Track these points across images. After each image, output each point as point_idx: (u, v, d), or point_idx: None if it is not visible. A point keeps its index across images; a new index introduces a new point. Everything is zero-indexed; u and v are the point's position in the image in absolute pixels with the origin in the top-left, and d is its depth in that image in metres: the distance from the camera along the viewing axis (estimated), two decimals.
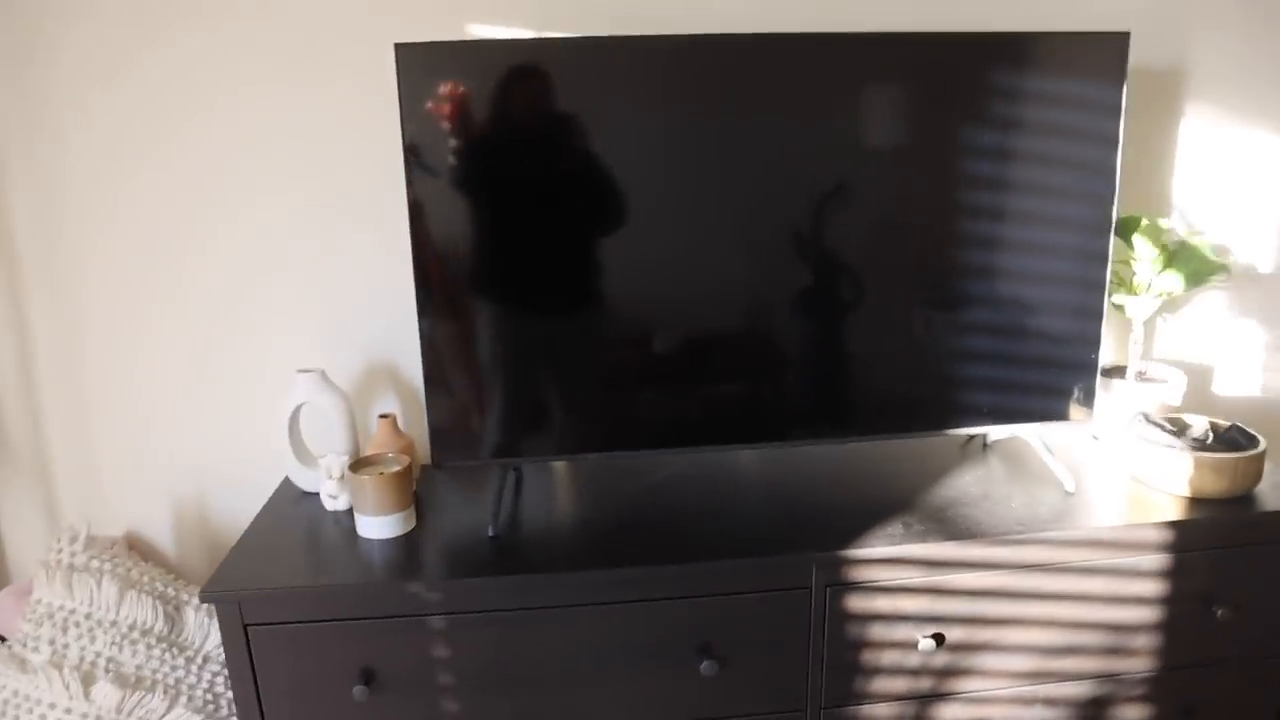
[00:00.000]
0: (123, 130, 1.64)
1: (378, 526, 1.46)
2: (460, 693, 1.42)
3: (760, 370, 1.56)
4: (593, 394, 1.54)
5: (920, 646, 1.47)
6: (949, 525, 1.48)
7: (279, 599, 1.36)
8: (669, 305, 1.51)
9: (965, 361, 1.59)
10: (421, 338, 1.45)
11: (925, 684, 1.51)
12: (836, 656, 1.48)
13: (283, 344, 1.75)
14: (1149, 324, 1.89)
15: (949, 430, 1.62)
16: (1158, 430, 1.61)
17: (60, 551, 1.60)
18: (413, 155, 1.39)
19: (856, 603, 1.45)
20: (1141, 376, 1.78)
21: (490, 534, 1.48)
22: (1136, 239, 1.67)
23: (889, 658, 1.49)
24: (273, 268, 1.71)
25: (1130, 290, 1.73)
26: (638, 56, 1.42)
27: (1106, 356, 1.92)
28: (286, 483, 1.70)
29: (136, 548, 1.81)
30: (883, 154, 1.49)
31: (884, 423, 1.61)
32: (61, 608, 1.54)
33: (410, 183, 1.39)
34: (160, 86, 1.62)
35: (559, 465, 1.77)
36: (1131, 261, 1.71)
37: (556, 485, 1.70)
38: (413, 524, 1.50)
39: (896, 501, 1.57)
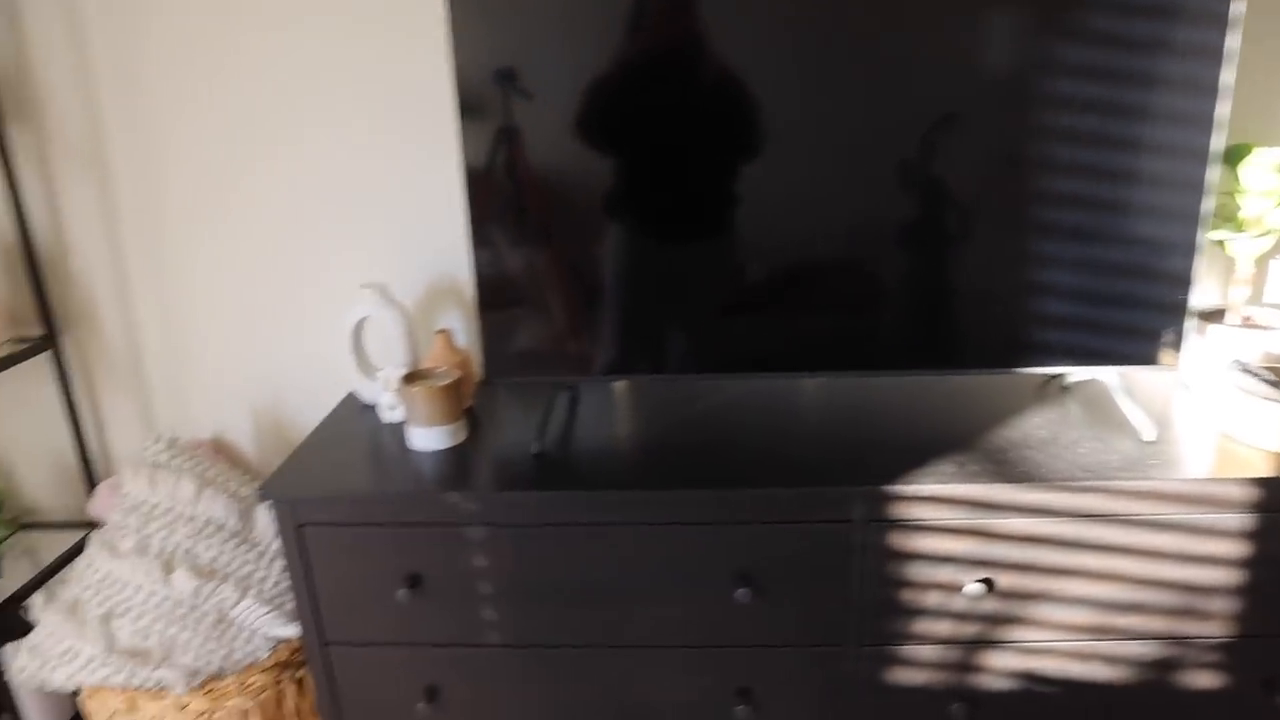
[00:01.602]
0: (205, 45, 1.69)
1: (427, 437, 1.50)
2: (497, 601, 1.46)
3: (839, 299, 1.51)
4: (654, 316, 1.53)
5: (966, 590, 1.42)
6: (1006, 467, 1.41)
7: (330, 501, 1.42)
8: (759, 231, 1.47)
9: (1046, 297, 1.49)
10: (473, 253, 1.47)
11: (972, 629, 1.46)
12: (878, 594, 1.44)
13: (353, 259, 1.80)
14: (1260, 264, 1.73)
15: (1022, 369, 1.54)
16: (1256, 380, 1.48)
17: (148, 450, 1.71)
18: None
19: (900, 540, 1.41)
20: (1246, 322, 1.64)
21: (534, 451, 1.50)
22: (1246, 169, 1.52)
23: (933, 599, 1.45)
24: (349, 185, 1.76)
25: (1237, 226, 1.58)
26: None
27: (1207, 298, 1.77)
28: (351, 394, 1.76)
29: (222, 451, 1.93)
30: (985, 77, 1.40)
31: (956, 358, 1.53)
32: (145, 501, 1.65)
33: (463, 103, 1.40)
34: (238, 2, 1.67)
35: (618, 388, 1.78)
36: (1239, 195, 1.56)
37: (612, 408, 1.70)
38: (463, 437, 1.53)
39: (956, 439, 1.51)
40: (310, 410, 1.90)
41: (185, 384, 1.90)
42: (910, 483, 1.38)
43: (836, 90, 1.39)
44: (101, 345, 1.89)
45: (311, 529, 1.44)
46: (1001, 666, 1.48)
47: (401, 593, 1.43)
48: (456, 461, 1.49)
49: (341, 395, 1.88)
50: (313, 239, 1.80)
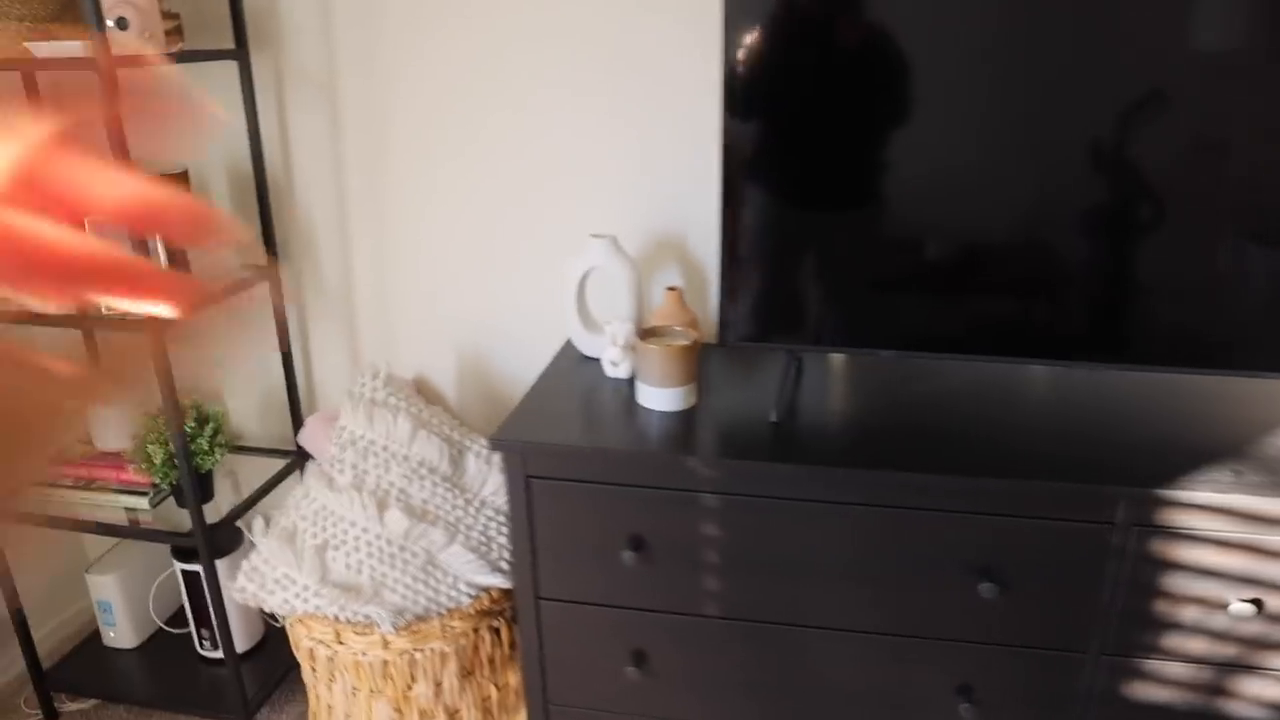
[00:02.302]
0: None
1: (661, 398, 1.46)
2: (719, 571, 1.42)
3: (1073, 286, 1.41)
4: (894, 291, 1.45)
5: (1231, 609, 1.31)
6: None
7: (562, 455, 1.39)
8: (997, 210, 1.38)
9: None
10: (723, 217, 1.41)
11: (1230, 650, 1.35)
12: (1132, 603, 1.34)
13: (571, 211, 1.76)
14: None
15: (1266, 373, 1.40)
16: None
17: (364, 386, 1.72)
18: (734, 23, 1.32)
19: (1165, 549, 1.31)
20: None
21: (773, 419, 1.44)
22: None
23: (1190, 614, 1.34)
24: (568, 134, 1.71)
25: None
26: None
27: None
28: (568, 346, 1.73)
29: (423, 391, 1.93)
30: (1201, 58, 1.26)
31: (1221, 357, 1.41)
32: (363, 437, 1.66)
33: (729, 61, 1.33)
34: None
35: (836, 361, 1.70)
36: None
37: (833, 380, 1.63)
38: (694, 400, 1.49)
39: (1228, 445, 1.39)
40: (514, 359, 1.89)
41: (393, 322, 1.91)
42: (1183, 489, 1.27)
43: (1026, 60, 1.26)
44: (317, 278, 1.90)
45: (538, 482, 1.42)
46: (1258, 694, 1.38)
47: (627, 554, 1.40)
48: (689, 424, 1.44)
49: (550, 346, 1.85)
50: (531, 189, 1.76)
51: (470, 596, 1.65)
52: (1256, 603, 1.31)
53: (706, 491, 1.37)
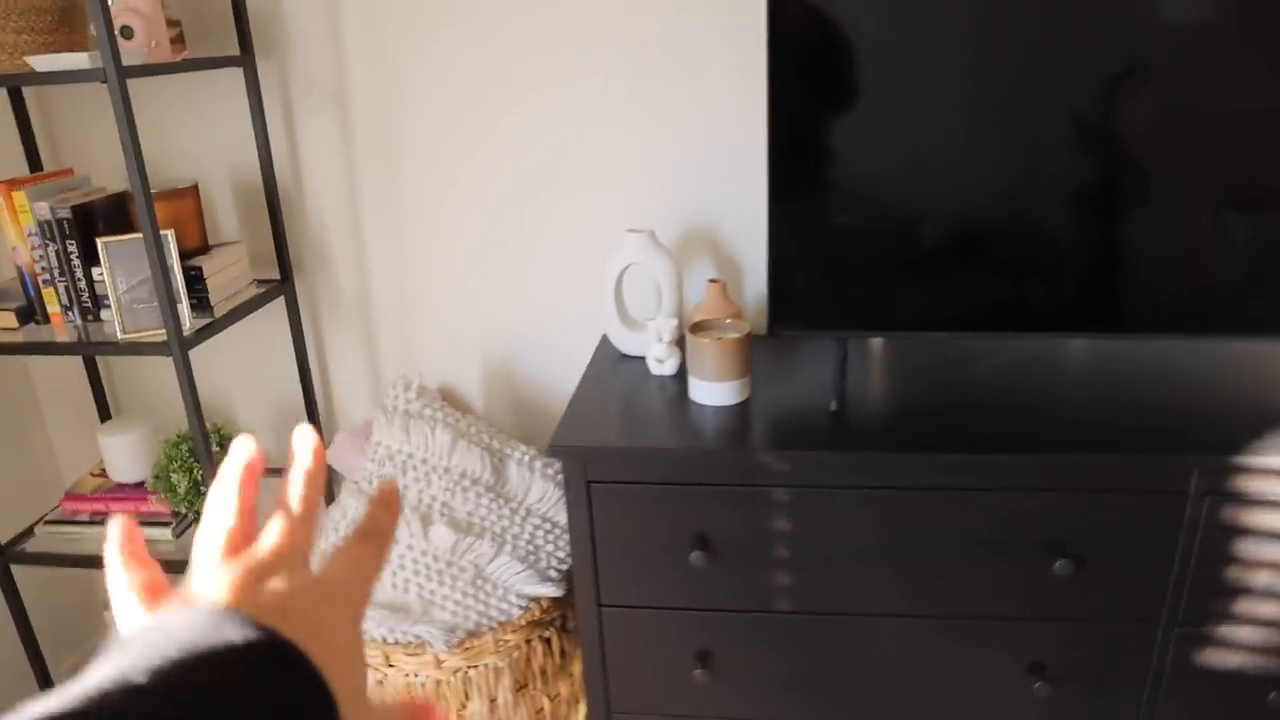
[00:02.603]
0: None
1: (715, 392, 1.42)
2: (788, 566, 1.39)
3: (1119, 259, 1.39)
4: (942, 272, 1.42)
5: None
6: None
7: (623, 458, 1.35)
8: (1038, 186, 1.36)
9: None
10: (771, 209, 1.37)
11: None
12: (1204, 572, 1.34)
13: (590, 208, 1.71)
14: None
15: None
16: None
17: (397, 398, 1.66)
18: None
19: (1237, 515, 1.30)
20: None
21: (832, 409, 1.41)
22: None
23: (1263, 579, 1.34)
24: (586, 131, 1.66)
25: None
26: None
27: None
28: (603, 345, 1.69)
29: (449, 401, 1.87)
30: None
31: (1238, 324, 1.40)
32: (400, 450, 1.60)
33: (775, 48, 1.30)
34: None
35: (875, 347, 1.68)
36: None
37: (876, 366, 1.61)
38: (749, 392, 1.45)
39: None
40: (543, 362, 1.84)
41: (413, 331, 1.85)
42: (1254, 455, 1.27)
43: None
44: (332, 289, 1.84)
45: (598, 487, 1.37)
46: None
47: (695, 555, 1.36)
48: (747, 418, 1.41)
49: (580, 346, 1.80)
50: (549, 188, 1.71)
51: (521, 608, 1.60)
52: None
53: (774, 485, 1.34)
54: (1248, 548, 1.32)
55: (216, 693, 0.27)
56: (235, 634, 0.29)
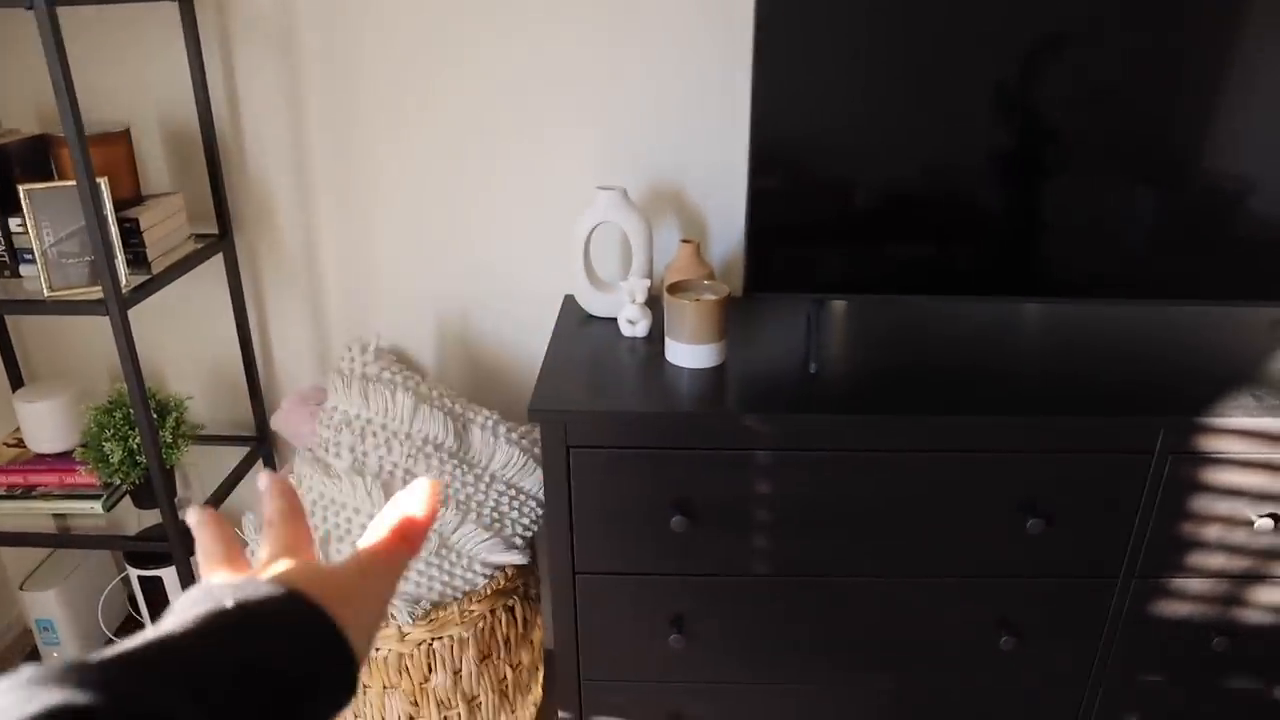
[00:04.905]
0: None
1: (693, 355, 1.39)
2: (768, 529, 1.38)
3: (1086, 227, 1.42)
4: (918, 234, 1.42)
5: (1257, 526, 1.37)
6: None
7: (605, 422, 1.32)
8: (1004, 153, 1.37)
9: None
10: (751, 169, 1.34)
11: (1244, 563, 1.42)
12: (1163, 527, 1.39)
13: (551, 164, 1.65)
14: None
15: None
16: None
17: (352, 361, 1.58)
18: None
19: (1197, 473, 1.36)
20: None
21: (812, 370, 1.40)
22: None
23: (1214, 533, 1.40)
24: (549, 81, 1.59)
25: None
26: None
27: None
28: (567, 306, 1.64)
29: (402, 362, 1.79)
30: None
31: (1178, 288, 1.45)
32: (358, 416, 1.53)
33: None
34: None
35: (838, 310, 1.68)
36: None
37: (844, 328, 1.61)
38: (725, 355, 1.43)
39: (1237, 373, 1.44)
40: (501, 324, 1.77)
41: (362, 292, 1.75)
42: (1215, 415, 1.32)
43: None
44: (275, 247, 1.73)
45: (578, 452, 1.33)
46: (1273, 602, 1.45)
47: (676, 519, 1.34)
48: (725, 381, 1.39)
49: (540, 307, 1.75)
50: (509, 142, 1.64)
51: (486, 577, 1.56)
52: (1275, 517, 1.38)
53: (756, 449, 1.32)
54: (1204, 503, 1.37)
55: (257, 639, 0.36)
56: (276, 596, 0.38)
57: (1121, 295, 1.46)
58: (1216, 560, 1.42)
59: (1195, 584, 1.44)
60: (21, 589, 1.80)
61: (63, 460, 1.63)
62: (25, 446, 1.66)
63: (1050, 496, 1.36)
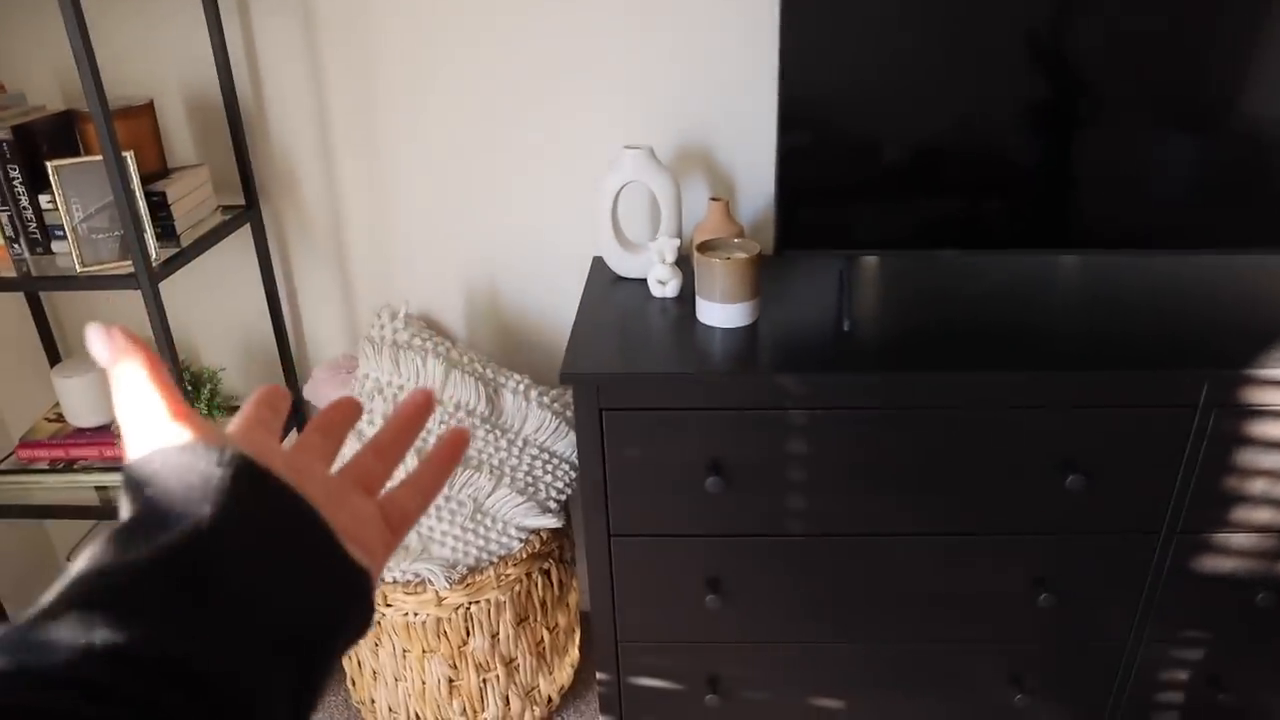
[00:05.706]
0: None
1: (726, 314, 1.38)
2: (803, 488, 1.37)
3: (1122, 179, 1.38)
4: (949, 189, 1.39)
5: None
6: None
7: (638, 384, 1.31)
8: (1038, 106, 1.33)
9: None
10: (780, 126, 1.32)
11: None
12: (1207, 481, 1.37)
13: (578, 123, 1.62)
14: None
15: None
16: None
17: (382, 328, 1.58)
18: None
19: (1240, 426, 1.33)
20: None
21: (845, 328, 1.39)
22: None
23: (1259, 486, 1.37)
24: (575, 41, 1.56)
25: None
26: None
27: None
28: (596, 268, 1.62)
29: (431, 329, 1.79)
30: None
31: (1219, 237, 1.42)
32: (390, 383, 1.53)
33: None
34: None
35: (869, 267, 1.65)
36: None
37: (876, 286, 1.58)
38: (757, 314, 1.41)
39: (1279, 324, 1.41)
40: (528, 286, 1.76)
41: (390, 259, 1.75)
42: (1260, 367, 1.28)
43: None
44: (301, 215, 1.72)
45: (611, 414, 1.33)
46: None
47: (711, 480, 1.33)
48: (758, 340, 1.37)
49: (569, 269, 1.73)
50: (534, 103, 1.61)
51: (521, 541, 1.56)
52: None
53: (791, 408, 1.31)
54: (1248, 457, 1.34)
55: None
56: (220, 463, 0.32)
57: (1159, 246, 1.42)
58: (1261, 515, 1.39)
59: (1239, 539, 1.42)
60: (68, 560, 1.83)
61: (102, 433, 1.65)
62: (65, 421, 1.68)
63: (1090, 452, 1.34)
